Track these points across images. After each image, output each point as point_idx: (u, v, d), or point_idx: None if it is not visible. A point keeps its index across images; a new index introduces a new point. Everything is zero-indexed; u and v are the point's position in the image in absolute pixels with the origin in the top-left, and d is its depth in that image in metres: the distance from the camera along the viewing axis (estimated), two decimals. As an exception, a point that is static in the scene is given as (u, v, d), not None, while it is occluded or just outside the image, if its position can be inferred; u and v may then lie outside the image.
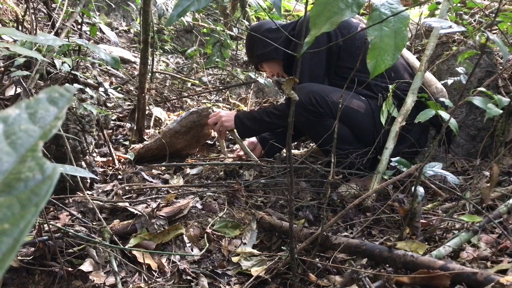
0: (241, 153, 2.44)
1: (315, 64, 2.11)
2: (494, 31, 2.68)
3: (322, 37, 2.03)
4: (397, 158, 1.78)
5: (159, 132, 2.84)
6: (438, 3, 2.52)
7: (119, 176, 2.13)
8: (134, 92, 3.30)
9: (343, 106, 1.95)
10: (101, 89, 2.41)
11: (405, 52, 2.25)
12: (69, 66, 1.89)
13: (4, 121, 0.30)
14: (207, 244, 1.56)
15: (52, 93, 0.33)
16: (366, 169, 1.92)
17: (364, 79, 1.87)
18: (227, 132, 2.35)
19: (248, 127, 2.26)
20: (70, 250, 1.42)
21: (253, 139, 2.46)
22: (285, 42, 2.23)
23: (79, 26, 3.19)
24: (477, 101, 1.41)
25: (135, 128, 2.63)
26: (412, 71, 2.14)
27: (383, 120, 1.92)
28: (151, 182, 2.10)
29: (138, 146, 2.46)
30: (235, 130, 2.31)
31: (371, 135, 1.98)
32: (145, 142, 2.46)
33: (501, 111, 1.42)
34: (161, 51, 4.23)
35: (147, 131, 2.76)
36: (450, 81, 2.10)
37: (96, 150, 2.26)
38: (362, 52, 1.92)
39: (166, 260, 1.49)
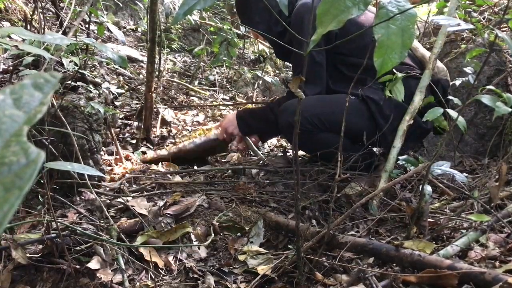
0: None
1: (316, 53, 1.97)
2: (503, 29, 2.65)
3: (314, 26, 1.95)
4: (405, 156, 1.77)
5: (167, 131, 2.85)
6: (447, 0, 2.50)
7: (127, 175, 2.14)
8: (141, 91, 3.31)
9: (337, 117, 1.77)
10: (103, 85, 2.42)
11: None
12: (77, 65, 1.90)
13: (-12, 107, 0.30)
14: (213, 235, 1.57)
15: (37, 79, 0.33)
16: (366, 170, 1.90)
17: (369, 67, 1.77)
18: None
19: (253, 128, 2.22)
20: (78, 248, 1.43)
21: None
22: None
23: (86, 25, 3.20)
24: (486, 99, 1.40)
25: (142, 126, 2.64)
26: (412, 52, 2.05)
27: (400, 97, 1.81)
28: (158, 180, 2.10)
29: (150, 155, 2.43)
30: None
31: (372, 137, 1.85)
32: (159, 152, 2.43)
33: (510, 110, 1.40)
34: (168, 50, 4.24)
35: (154, 129, 2.77)
36: (458, 82, 2.08)
37: (104, 149, 2.27)
38: (359, 37, 1.83)
39: (173, 258, 1.50)
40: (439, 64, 2.04)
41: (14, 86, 0.32)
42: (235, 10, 2.33)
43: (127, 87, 3.30)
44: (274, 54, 2.34)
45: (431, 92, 1.90)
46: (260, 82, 3.74)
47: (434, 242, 1.29)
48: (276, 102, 2.18)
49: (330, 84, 2.04)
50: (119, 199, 1.79)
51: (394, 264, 1.20)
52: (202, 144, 2.41)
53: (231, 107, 3.44)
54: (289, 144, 2.79)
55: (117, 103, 3.06)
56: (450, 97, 1.85)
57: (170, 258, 1.48)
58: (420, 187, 1.28)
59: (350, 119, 1.85)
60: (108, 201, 1.78)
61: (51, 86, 0.33)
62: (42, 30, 2.16)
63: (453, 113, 1.58)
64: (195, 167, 2.32)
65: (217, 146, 2.42)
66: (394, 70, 1.84)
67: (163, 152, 2.43)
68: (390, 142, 1.83)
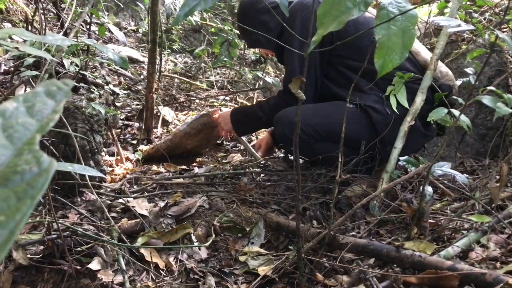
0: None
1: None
2: (504, 30, 2.65)
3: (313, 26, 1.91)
4: (406, 157, 1.77)
5: (168, 132, 2.85)
6: (448, 1, 2.50)
7: (128, 175, 2.14)
8: (142, 91, 3.32)
9: (332, 127, 1.81)
10: (106, 87, 2.43)
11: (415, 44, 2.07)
12: (78, 66, 1.91)
13: (2, 115, 0.30)
14: (213, 235, 1.57)
15: (50, 87, 0.33)
16: (367, 173, 1.90)
17: (366, 70, 1.74)
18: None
19: (245, 124, 2.25)
20: (79, 249, 1.43)
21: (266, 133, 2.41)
22: (279, 28, 2.09)
23: (87, 26, 3.21)
24: (487, 100, 1.39)
25: (143, 127, 2.64)
26: (413, 56, 1.99)
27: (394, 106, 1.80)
28: (159, 180, 2.10)
29: (147, 147, 2.46)
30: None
31: (373, 144, 1.84)
32: (155, 143, 2.46)
33: (510, 110, 1.40)
34: (169, 50, 4.24)
35: (155, 130, 2.77)
36: (458, 82, 2.08)
37: (105, 149, 2.28)
38: (358, 39, 1.81)
39: (174, 259, 1.50)
40: (444, 68, 2.00)
41: (27, 94, 0.32)
42: (239, 30, 2.40)
43: (127, 87, 3.31)
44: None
45: (432, 95, 1.88)
46: (261, 82, 3.74)
47: (434, 243, 1.29)
48: (265, 100, 2.21)
49: (331, 88, 1.99)
50: (120, 200, 1.79)
51: (395, 265, 1.20)
52: (194, 122, 2.41)
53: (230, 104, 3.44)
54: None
55: (118, 104, 3.07)
56: (454, 97, 1.84)
57: (171, 259, 1.48)
58: (421, 188, 1.28)
59: (347, 126, 1.85)
60: (109, 202, 1.78)
61: (64, 94, 0.33)
62: (43, 31, 2.16)
63: (455, 112, 1.58)
64: (196, 169, 2.32)
65: (210, 125, 2.42)
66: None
67: (158, 142, 2.44)
68: (389, 151, 1.81)
